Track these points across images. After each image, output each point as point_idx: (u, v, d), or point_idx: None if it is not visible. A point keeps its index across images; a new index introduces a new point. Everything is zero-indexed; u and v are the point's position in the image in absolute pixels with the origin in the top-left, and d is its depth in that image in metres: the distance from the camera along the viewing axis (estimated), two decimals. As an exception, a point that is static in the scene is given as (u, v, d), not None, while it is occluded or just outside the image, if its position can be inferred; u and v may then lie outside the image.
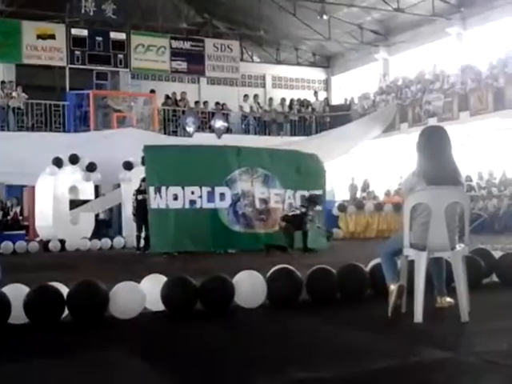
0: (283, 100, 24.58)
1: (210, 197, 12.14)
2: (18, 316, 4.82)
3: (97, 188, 17.53)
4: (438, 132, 4.94)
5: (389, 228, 16.00)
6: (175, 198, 11.95)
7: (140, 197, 12.93)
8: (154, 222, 11.93)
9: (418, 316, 4.54)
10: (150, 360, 3.78)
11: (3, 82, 20.54)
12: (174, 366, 3.64)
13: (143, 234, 13.10)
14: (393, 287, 4.77)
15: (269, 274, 5.60)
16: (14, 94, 20.11)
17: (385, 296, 4.87)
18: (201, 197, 12.12)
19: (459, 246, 4.76)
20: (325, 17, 22.43)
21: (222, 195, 12.20)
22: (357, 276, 5.72)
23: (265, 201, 12.69)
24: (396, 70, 24.52)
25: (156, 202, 11.88)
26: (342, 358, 3.71)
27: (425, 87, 20.92)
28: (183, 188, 12.00)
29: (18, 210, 18.90)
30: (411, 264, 4.82)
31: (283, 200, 12.81)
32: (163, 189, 11.91)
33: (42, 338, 4.56)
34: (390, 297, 4.77)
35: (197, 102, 23.33)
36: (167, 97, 22.83)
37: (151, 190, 11.90)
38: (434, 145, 4.82)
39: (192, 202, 12.07)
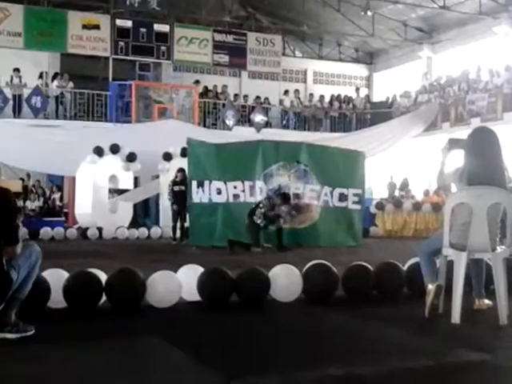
0: (322, 97, 24.45)
1: (252, 191, 12.14)
2: (56, 300, 4.90)
3: (136, 179, 17.71)
4: (486, 133, 4.87)
5: (426, 228, 15.84)
6: (219, 192, 12.02)
7: (176, 188, 13.01)
8: (194, 216, 11.98)
9: (456, 317, 4.49)
10: (185, 348, 3.81)
11: (46, 72, 20.88)
12: (208, 356, 3.66)
13: (179, 225, 13.20)
14: (431, 287, 4.72)
15: (305, 268, 5.59)
16: (55, 82, 20.42)
17: (422, 295, 4.83)
18: (244, 191, 12.15)
19: (500, 248, 4.69)
20: (369, 13, 22.22)
21: (261, 190, 12.16)
22: (394, 274, 5.69)
23: (298, 196, 12.61)
24: (440, 69, 24.18)
25: (198, 196, 11.95)
26: (376, 355, 3.68)
27: (469, 86, 20.60)
28: (225, 183, 12.04)
29: (58, 196, 19.23)
30: (450, 264, 4.77)
31: (318, 196, 12.69)
32: (206, 183, 11.98)
33: (79, 322, 4.63)
34: (428, 296, 4.72)
35: (236, 95, 23.36)
36: (206, 88, 22.87)
37: (194, 184, 11.97)
38: (480, 145, 4.76)
39: (235, 196, 12.11)
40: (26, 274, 4.07)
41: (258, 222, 11.36)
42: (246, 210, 11.77)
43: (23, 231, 14.66)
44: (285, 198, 11.75)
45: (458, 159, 4.89)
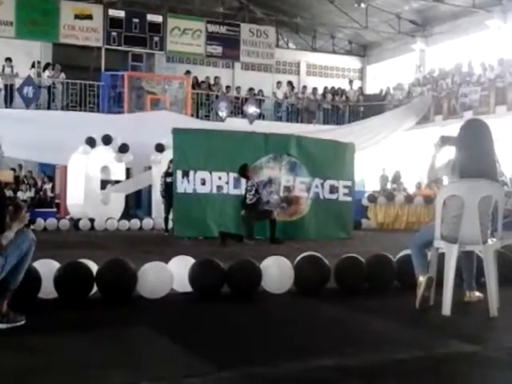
0: (315, 89, 24.43)
1: (236, 183, 12.08)
2: (47, 291, 4.88)
3: (128, 170, 17.66)
4: (478, 126, 4.88)
5: (418, 220, 15.88)
6: (203, 182, 11.92)
7: (169, 179, 12.97)
8: (178, 206, 11.89)
9: (446, 309, 4.51)
10: (175, 339, 3.82)
11: (39, 62, 20.77)
12: (199, 346, 3.66)
13: (171, 216, 13.17)
14: (422, 279, 4.73)
15: (297, 260, 5.60)
16: (46, 72, 20.32)
17: (413, 287, 4.84)
18: (227, 183, 12.07)
19: (491, 241, 4.71)
20: (362, 5, 22.21)
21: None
22: (385, 266, 5.70)
23: (288, 189, 12.58)
24: (433, 62, 24.20)
25: (183, 186, 11.82)
26: (367, 347, 3.70)
27: (461, 80, 20.63)
28: (211, 173, 11.95)
29: (49, 187, 19.17)
30: (441, 256, 4.78)
31: (308, 188, 12.68)
32: (191, 173, 11.86)
33: (70, 313, 4.62)
34: (419, 288, 4.73)
35: (228, 87, 23.30)
36: (196, 79, 22.74)
37: (179, 173, 11.86)
38: (472, 138, 4.76)
39: (219, 188, 12.03)
40: (16, 263, 4.02)
41: (254, 200, 11.28)
42: (229, 201, 11.80)
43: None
44: (244, 170, 11.50)
45: (449, 152, 4.89)
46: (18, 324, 4.03)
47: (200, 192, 11.86)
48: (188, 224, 11.70)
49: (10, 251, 3.97)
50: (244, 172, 11.50)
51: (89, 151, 15.75)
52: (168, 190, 12.93)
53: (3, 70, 19.50)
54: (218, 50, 22.95)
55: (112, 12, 21.25)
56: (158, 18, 21.86)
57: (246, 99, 22.26)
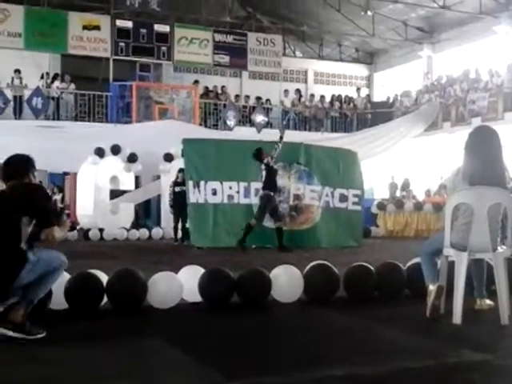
0: (322, 97, 24.44)
1: (246, 192, 12.10)
2: (58, 302, 4.89)
3: (137, 179, 17.71)
4: (487, 132, 4.87)
5: (428, 228, 15.81)
6: (214, 192, 11.96)
7: (177, 188, 13.00)
8: (193, 216, 11.93)
9: (457, 317, 4.49)
10: (185, 349, 3.82)
11: (47, 73, 20.88)
12: (209, 356, 3.66)
13: (180, 225, 13.20)
14: (432, 287, 4.71)
15: (306, 269, 5.59)
16: (56, 83, 20.43)
17: (423, 296, 4.82)
18: (238, 192, 12.11)
19: (501, 248, 4.69)
20: (369, 12, 22.22)
21: (257, 191, 12.04)
22: (395, 275, 5.68)
23: (298, 197, 12.58)
24: (440, 68, 24.17)
25: (195, 196, 11.88)
26: (378, 356, 3.68)
27: (469, 86, 20.59)
28: (221, 183, 12.00)
29: (59, 198, 19.23)
30: (451, 264, 4.76)
31: (320, 197, 12.68)
32: (202, 183, 11.91)
33: (80, 324, 4.63)
34: (429, 297, 4.71)
35: (237, 96, 23.36)
36: (206, 89, 22.85)
37: (190, 184, 11.91)
38: (481, 145, 4.75)
39: (230, 197, 12.06)
40: (41, 274, 4.03)
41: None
42: (239, 211, 11.90)
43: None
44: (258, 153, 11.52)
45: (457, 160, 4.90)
46: (34, 337, 3.98)
47: (211, 202, 11.91)
48: (204, 234, 11.76)
49: (43, 257, 4.02)
50: (259, 155, 11.49)
51: (98, 161, 15.81)
52: (176, 199, 12.97)
53: (12, 81, 19.61)
54: (226, 59, 23.01)
55: (119, 22, 21.38)
56: (165, 28, 21.97)
57: (254, 108, 22.31)
